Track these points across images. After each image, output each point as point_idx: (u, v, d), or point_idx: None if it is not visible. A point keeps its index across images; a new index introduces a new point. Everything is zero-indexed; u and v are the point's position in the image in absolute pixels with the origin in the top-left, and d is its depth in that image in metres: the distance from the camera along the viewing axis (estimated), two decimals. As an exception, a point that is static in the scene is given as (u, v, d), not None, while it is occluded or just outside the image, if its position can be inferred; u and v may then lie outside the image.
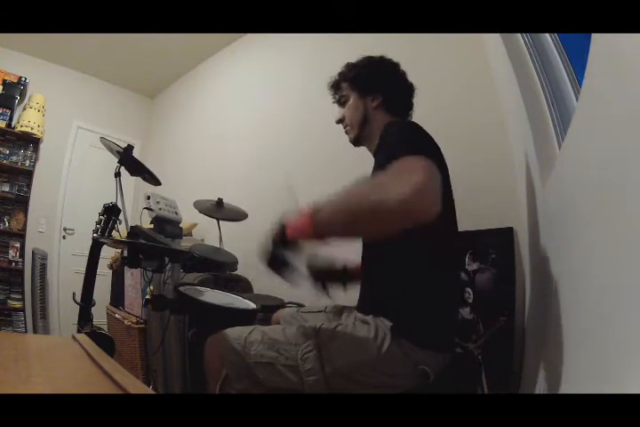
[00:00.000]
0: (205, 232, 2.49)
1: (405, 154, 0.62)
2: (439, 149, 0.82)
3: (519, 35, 1.09)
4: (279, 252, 0.70)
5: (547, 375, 0.66)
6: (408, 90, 0.99)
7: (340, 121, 1.01)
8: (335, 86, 1.02)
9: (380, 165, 0.66)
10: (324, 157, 2.09)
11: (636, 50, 0.39)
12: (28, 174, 2.98)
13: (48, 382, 0.45)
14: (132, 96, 3.88)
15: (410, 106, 1.01)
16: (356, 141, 1.00)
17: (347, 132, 1.01)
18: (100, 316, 1.99)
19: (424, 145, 0.74)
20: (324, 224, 0.63)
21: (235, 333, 0.85)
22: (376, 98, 0.95)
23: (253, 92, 2.78)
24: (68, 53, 3.19)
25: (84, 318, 1.22)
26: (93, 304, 1.27)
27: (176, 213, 1.74)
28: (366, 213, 0.59)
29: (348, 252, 0.97)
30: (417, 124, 0.83)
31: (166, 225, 1.65)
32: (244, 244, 1.96)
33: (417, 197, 0.54)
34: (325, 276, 0.99)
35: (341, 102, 1.01)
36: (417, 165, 0.59)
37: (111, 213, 1.29)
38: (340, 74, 1.01)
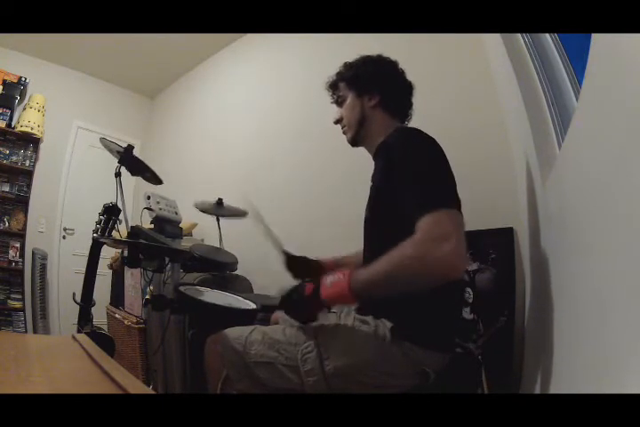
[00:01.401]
0: (205, 232, 2.49)
1: (435, 207, 0.65)
2: (445, 157, 0.79)
3: (519, 35, 1.09)
4: (310, 309, 0.76)
5: (547, 375, 0.66)
6: (406, 89, 0.98)
7: (337, 121, 1.00)
8: (333, 86, 1.01)
9: (408, 209, 0.68)
10: (323, 157, 2.09)
11: (636, 50, 0.39)
12: (28, 174, 2.98)
13: (48, 382, 0.45)
14: (132, 96, 3.88)
15: (409, 105, 0.99)
16: (354, 142, 0.99)
17: (344, 133, 1.00)
18: (100, 316, 1.99)
19: (449, 184, 0.73)
20: (362, 289, 0.68)
21: (235, 333, 0.86)
22: (373, 97, 0.94)
23: (253, 92, 2.78)
24: (68, 53, 3.19)
25: (84, 318, 1.22)
26: (93, 304, 1.27)
27: (176, 213, 1.74)
28: (407, 280, 0.65)
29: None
30: (433, 144, 0.79)
31: (166, 225, 1.65)
32: (244, 244, 1.96)
33: (455, 263, 0.61)
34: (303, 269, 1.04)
35: (339, 102, 1.00)
36: (449, 224, 0.63)
37: (111, 213, 1.29)
38: (337, 74, 1.00)
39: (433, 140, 0.80)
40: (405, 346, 0.73)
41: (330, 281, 0.71)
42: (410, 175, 0.73)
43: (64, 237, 3.21)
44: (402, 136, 0.82)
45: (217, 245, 1.88)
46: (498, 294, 1.21)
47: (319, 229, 2.00)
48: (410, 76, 0.99)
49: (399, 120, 0.97)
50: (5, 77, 2.94)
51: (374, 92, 0.94)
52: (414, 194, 0.70)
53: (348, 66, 0.99)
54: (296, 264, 1.05)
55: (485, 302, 1.23)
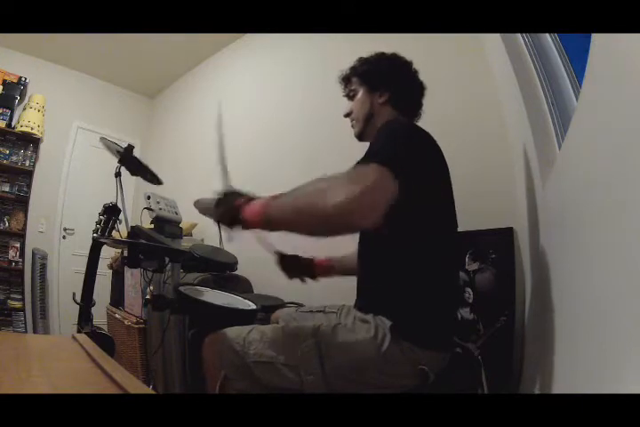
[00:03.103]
0: (205, 232, 2.49)
1: (368, 161, 0.64)
2: (430, 152, 0.80)
3: (519, 35, 1.09)
4: (227, 224, 0.74)
5: (547, 375, 0.66)
6: (417, 89, 0.99)
7: (347, 114, 1.01)
8: (346, 80, 1.02)
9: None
10: (324, 156, 2.08)
11: (636, 50, 0.39)
12: (28, 174, 2.97)
13: (48, 382, 0.45)
14: (132, 96, 3.88)
15: (418, 105, 1.00)
16: (361, 136, 1.00)
17: (352, 127, 1.01)
18: (99, 316, 1.99)
19: (396, 152, 0.71)
20: (272, 215, 0.67)
21: (234, 332, 0.86)
22: (384, 94, 0.95)
23: (254, 91, 2.78)
24: (68, 53, 3.19)
25: (84, 318, 1.22)
26: (93, 304, 1.27)
27: (176, 213, 1.74)
28: (303, 214, 0.63)
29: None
30: (410, 126, 0.81)
31: (166, 225, 1.65)
32: (244, 244, 1.96)
33: (349, 207, 0.57)
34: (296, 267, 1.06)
35: (350, 96, 1.01)
36: (366, 173, 0.61)
37: (111, 213, 1.29)
38: (351, 68, 1.01)
39: (415, 128, 0.81)
40: (405, 346, 0.73)
41: (253, 202, 0.71)
42: (371, 146, 0.75)
43: (64, 237, 3.21)
44: (384, 124, 0.83)
45: (217, 245, 1.88)
46: (498, 294, 1.21)
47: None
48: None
49: (407, 119, 0.98)
50: (5, 77, 2.94)
51: (385, 89, 0.95)
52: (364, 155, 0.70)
53: (362, 61, 1.00)
54: (289, 263, 1.05)
55: (485, 302, 1.23)
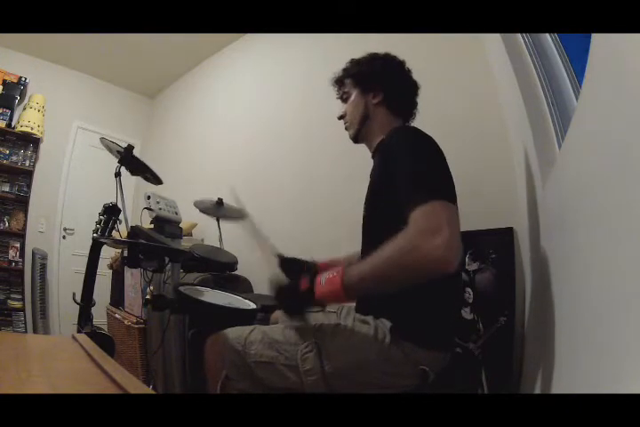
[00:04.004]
0: (205, 232, 2.49)
1: (427, 199, 0.63)
2: (445, 161, 0.79)
3: (519, 35, 1.09)
4: (302, 304, 0.75)
5: (547, 375, 0.66)
6: (411, 88, 0.98)
7: (341, 117, 1.01)
8: (339, 82, 1.02)
9: (402, 203, 0.67)
10: (325, 156, 2.09)
11: (636, 50, 0.39)
12: (28, 174, 2.98)
13: (48, 382, 0.45)
14: (132, 96, 3.88)
15: (413, 105, 0.99)
16: (356, 138, 0.99)
17: (347, 129, 1.01)
18: (100, 316, 1.99)
19: (442, 178, 0.73)
20: (355, 287, 0.67)
21: (235, 332, 0.86)
22: (377, 94, 0.95)
23: (254, 91, 2.78)
24: (68, 53, 3.19)
25: (84, 318, 1.22)
26: (93, 304, 1.27)
27: (176, 213, 1.74)
28: (399, 276, 0.63)
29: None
30: (429, 141, 0.79)
31: (166, 225, 1.65)
32: (244, 244, 1.96)
33: (448, 257, 0.58)
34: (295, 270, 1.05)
35: (344, 98, 1.01)
36: (442, 216, 0.61)
37: (111, 213, 1.29)
38: (343, 70, 1.01)
39: (429, 137, 0.80)
40: (405, 346, 0.73)
41: (324, 278, 0.70)
42: (405, 171, 0.73)
43: (64, 237, 3.21)
44: (399, 135, 0.82)
45: (217, 245, 1.88)
46: (498, 294, 1.21)
47: (322, 230, 2.00)
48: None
49: (402, 119, 0.98)
50: (5, 77, 2.94)
51: (379, 90, 0.95)
52: (408, 189, 0.69)
53: (354, 62, 1.00)
54: (290, 266, 1.05)
55: (485, 302, 1.23)
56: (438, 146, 0.79)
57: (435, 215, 0.62)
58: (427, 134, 0.80)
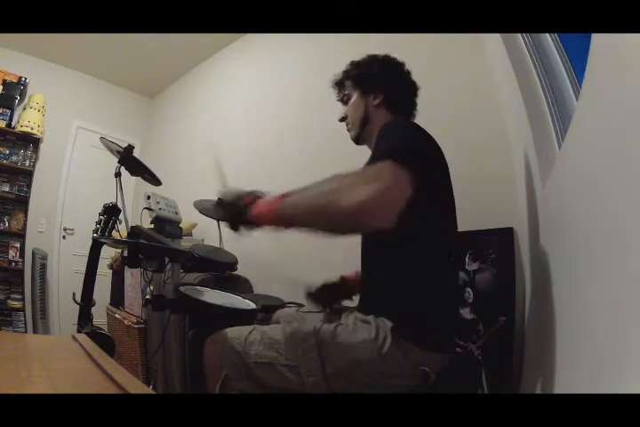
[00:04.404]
0: (205, 232, 2.49)
1: (382, 158, 0.64)
2: (431, 147, 0.81)
3: (519, 35, 1.09)
4: (237, 218, 0.73)
5: (547, 375, 0.66)
6: (411, 89, 0.99)
7: (342, 119, 1.02)
8: (339, 84, 1.03)
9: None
10: (325, 156, 2.08)
11: (636, 50, 0.39)
12: (28, 174, 2.97)
13: (48, 382, 0.45)
14: (132, 96, 3.87)
15: (413, 105, 1.00)
16: (358, 140, 1.00)
17: (348, 130, 1.01)
18: (99, 316, 1.99)
19: (408, 150, 0.71)
20: (286, 213, 0.67)
21: (235, 332, 0.86)
22: (378, 96, 0.95)
23: (254, 91, 2.78)
24: (68, 53, 3.19)
25: (84, 318, 1.22)
26: (93, 304, 1.27)
27: (176, 213, 1.74)
28: (320, 211, 0.63)
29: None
30: (411, 125, 0.82)
31: (166, 225, 1.65)
32: (244, 244, 1.96)
33: (368, 206, 0.57)
34: (327, 296, 1.03)
35: (344, 101, 1.02)
36: (383, 172, 0.61)
37: (111, 213, 1.29)
38: (343, 72, 1.02)
39: (416, 126, 0.81)
40: (406, 346, 0.73)
41: (263, 201, 0.71)
42: (376, 144, 0.75)
43: (64, 237, 3.21)
44: (385, 124, 0.83)
45: (217, 245, 1.88)
46: (498, 294, 1.21)
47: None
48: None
49: None
50: (5, 77, 2.94)
51: (379, 91, 0.95)
52: (372, 155, 0.70)
53: (354, 64, 1.00)
54: (323, 294, 1.03)
55: (485, 302, 1.23)
56: (421, 131, 0.80)
57: (378, 169, 0.62)
58: (412, 122, 0.82)
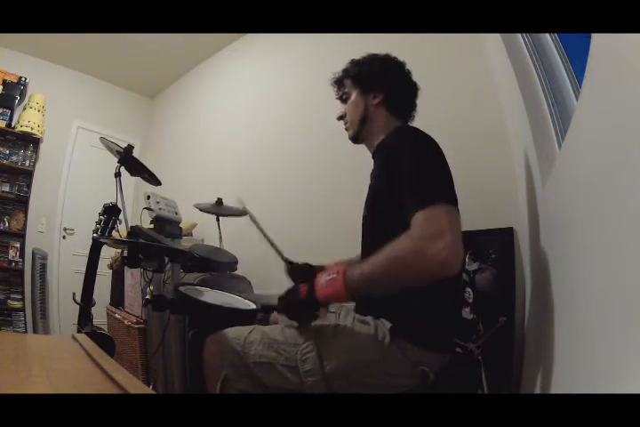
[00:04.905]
0: (205, 232, 2.49)
1: (430, 202, 0.65)
2: (446, 161, 0.80)
3: (519, 35, 1.09)
4: (307, 309, 0.75)
5: (547, 375, 0.66)
6: (411, 89, 0.98)
7: (341, 117, 1.01)
8: (338, 83, 1.02)
9: (404, 205, 0.68)
10: (325, 156, 2.08)
11: (636, 50, 0.39)
12: (28, 174, 2.97)
13: (48, 382, 0.45)
14: (132, 96, 3.88)
15: (412, 106, 1.00)
16: (356, 139, 1.00)
17: (347, 129, 1.01)
18: (99, 316, 1.99)
19: (444, 180, 0.73)
20: (357, 288, 0.68)
21: (234, 333, 0.86)
22: (377, 95, 0.95)
23: (254, 91, 2.78)
24: (68, 53, 3.19)
25: (84, 318, 1.22)
26: (93, 304, 1.27)
27: (176, 213, 1.74)
28: (401, 277, 0.65)
29: None
30: (430, 142, 0.79)
31: (166, 225, 1.65)
32: (244, 244, 1.96)
33: (450, 259, 0.60)
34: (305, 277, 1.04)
35: (344, 99, 1.01)
36: (445, 220, 0.63)
37: (111, 213, 1.29)
38: (343, 70, 1.01)
39: (431, 138, 0.80)
40: (405, 346, 0.73)
41: (324, 280, 0.71)
42: (406, 172, 0.73)
43: (64, 237, 3.21)
44: (400, 135, 0.82)
45: (217, 245, 1.88)
46: (498, 294, 1.21)
47: (322, 230, 2.00)
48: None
49: (401, 120, 0.98)
50: (5, 77, 2.94)
51: (378, 91, 0.95)
52: (410, 190, 0.70)
53: (354, 63, 1.00)
54: (299, 272, 1.05)
55: (485, 302, 1.23)
56: (439, 146, 0.79)
57: (437, 219, 0.63)
58: (427, 135, 0.80)
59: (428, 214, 0.63)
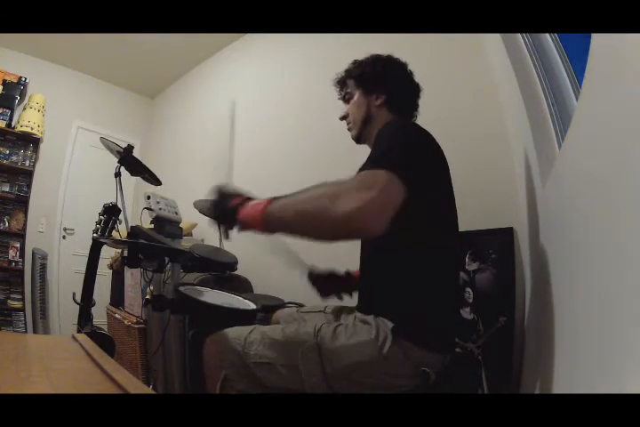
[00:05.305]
0: (205, 232, 2.49)
1: (376, 166, 0.63)
2: (433, 152, 0.80)
3: (519, 35, 1.09)
4: (227, 220, 0.72)
5: (547, 375, 0.66)
6: (413, 90, 0.99)
7: (343, 118, 1.02)
8: (341, 83, 1.03)
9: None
10: (325, 156, 2.09)
11: (636, 50, 0.39)
12: (28, 174, 2.97)
13: (48, 382, 0.45)
14: (132, 96, 3.88)
15: (415, 106, 1.00)
16: (358, 139, 1.00)
17: (349, 129, 1.01)
18: (99, 316, 1.99)
19: (402, 155, 0.71)
20: (273, 217, 0.65)
21: (234, 333, 0.86)
22: (380, 96, 0.95)
23: (254, 91, 2.78)
24: (68, 53, 3.19)
25: (84, 318, 1.22)
26: (93, 304, 1.27)
27: (176, 213, 1.74)
28: (308, 216, 0.62)
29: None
30: (409, 127, 0.81)
31: (166, 225, 1.65)
32: (244, 244, 1.96)
33: (360, 215, 0.56)
34: (326, 284, 1.02)
35: (346, 99, 1.02)
36: (376, 180, 0.60)
37: (111, 213, 1.29)
38: (346, 71, 1.02)
39: (416, 129, 0.81)
40: (406, 346, 0.73)
41: (252, 203, 0.69)
42: (372, 149, 0.75)
43: (64, 237, 3.21)
44: (384, 126, 0.83)
45: (217, 245, 1.88)
46: (498, 294, 1.21)
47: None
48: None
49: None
50: (5, 77, 2.94)
51: (381, 92, 0.95)
52: (367, 161, 0.69)
53: (357, 64, 1.00)
54: (320, 281, 1.02)
55: (485, 302, 1.23)
56: (420, 134, 0.80)
57: (370, 177, 0.62)
58: (412, 125, 0.81)
59: (365, 173, 0.63)
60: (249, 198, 0.71)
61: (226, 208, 0.71)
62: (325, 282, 1.02)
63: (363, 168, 0.71)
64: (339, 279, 1.03)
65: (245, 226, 0.69)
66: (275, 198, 0.68)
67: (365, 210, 0.57)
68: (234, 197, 0.73)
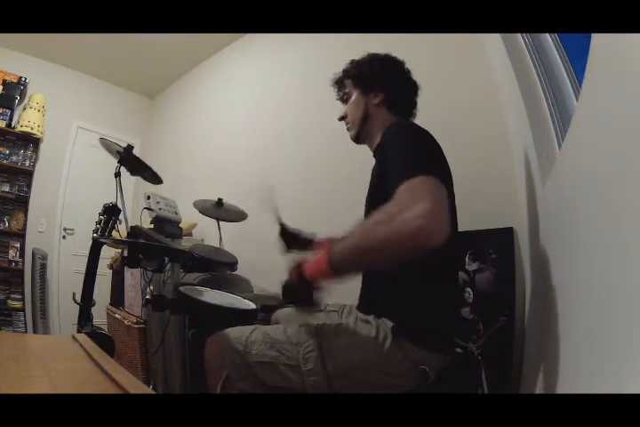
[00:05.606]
0: (205, 232, 2.49)
1: (411, 175, 0.62)
2: (441, 151, 0.81)
3: (519, 35, 1.09)
4: (304, 292, 0.72)
5: (547, 375, 0.66)
6: (411, 88, 0.99)
7: (342, 118, 1.02)
8: (339, 83, 1.02)
9: (389, 186, 0.65)
10: (325, 156, 2.08)
11: (636, 50, 0.39)
12: (28, 174, 2.97)
13: (48, 382, 0.45)
14: (132, 96, 3.88)
15: (413, 105, 1.00)
16: (357, 139, 1.00)
17: (348, 129, 1.01)
18: (99, 316, 1.99)
19: (428, 158, 0.72)
20: (340, 263, 0.65)
21: (236, 332, 0.86)
22: (378, 95, 0.95)
23: (253, 91, 2.78)
24: (68, 53, 3.19)
25: (84, 318, 1.22)
26: (93, 304, 1.27)
27: (176, 213, 1.74)
28: (380, 248, 0.60)
29: None
30: (418, 129, 0.81)
31: (166, 225, 1.65)
32: (244, 244, 1.96)
33: (427, 226, 0.55)
34: (293, 244, 1.10)
35: (344, 99, 1.01)
36: (424, 189, 0.59)
37: (111, 213, 1.29)
38: (343, 71, 1.01)
39: (417, 127, 0.81)
40: (406, 346, 0.73)
41: (312, 260, 0.69)
42: (389, 158, 0.73)
43: (64, 237, 3.21)
44: (390, 131, 0.82)
45: (217, 245, 1.88)
46: (498, 294, 1.21)
47: (322, 230, 2.00)
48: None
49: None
50: (5, 77, 2.94)
51: (379, 91, 0.95)
52: (392, 174, 0.68)
53: (354, 63, 1.00)
54: (288, 236, 1.09)
55: (485, 302, 1.23)
56: (429, 135, 0.80)
57: (413, 189, 0.60)
58: (418, 126, 0.81)
59: (405, 186, 0.61)
60: (302, 263, 0.71)
61: (295, 287, 0.72)
62: (292, 241, 1.09)
63: (388, 177, 0.69)
64: (304, 242, 1.09)
65: (315, 281, 0.69)
66: (326, 245, 0.68)
67: (429, 221, 0.55)
68: (292, 271, 0.73)
